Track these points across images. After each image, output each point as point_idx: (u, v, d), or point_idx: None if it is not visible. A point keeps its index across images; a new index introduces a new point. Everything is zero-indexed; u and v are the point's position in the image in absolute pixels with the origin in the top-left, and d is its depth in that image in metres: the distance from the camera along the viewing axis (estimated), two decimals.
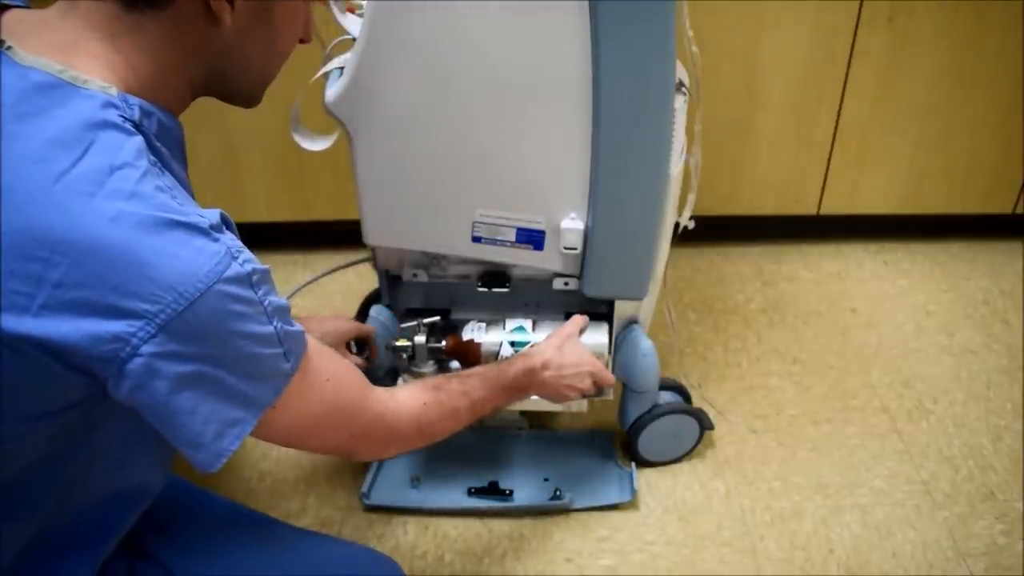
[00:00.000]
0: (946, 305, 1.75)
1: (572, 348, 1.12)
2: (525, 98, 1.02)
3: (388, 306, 1.29)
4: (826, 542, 1.27)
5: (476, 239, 1.13)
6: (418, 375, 1.18)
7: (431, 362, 1.18)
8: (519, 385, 1.05)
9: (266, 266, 0.66)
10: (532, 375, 1.06)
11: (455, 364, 1.21)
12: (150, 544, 0.86)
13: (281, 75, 0.81)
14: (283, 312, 0.68)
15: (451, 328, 1.22)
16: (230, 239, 0.64)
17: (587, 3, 0.94)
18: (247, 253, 0.65)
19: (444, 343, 1.17)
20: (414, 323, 1.18)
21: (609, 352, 1.21)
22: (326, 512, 1.31)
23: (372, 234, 1.16)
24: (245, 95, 0.78)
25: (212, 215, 0.64)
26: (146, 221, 0.60)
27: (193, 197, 0.68)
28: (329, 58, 1.11)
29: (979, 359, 1.61)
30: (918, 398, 1.52)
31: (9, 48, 0.63)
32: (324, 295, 1.72)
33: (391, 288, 1.28)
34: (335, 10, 1.07)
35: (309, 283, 1.43)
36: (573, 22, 0.96)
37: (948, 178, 1.79)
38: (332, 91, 1.03)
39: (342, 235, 1.50)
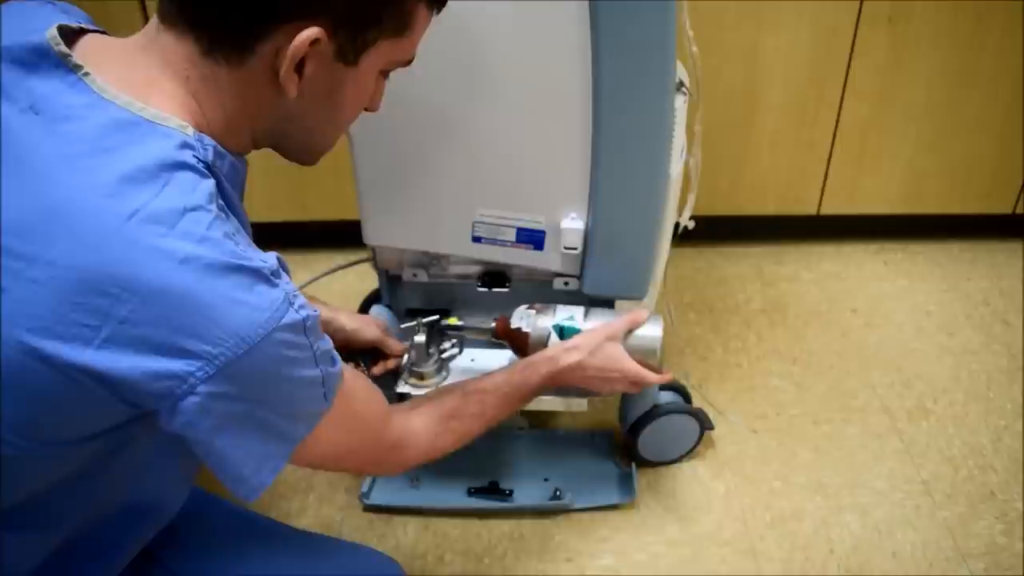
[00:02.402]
0: (946, 305, 1.75)
1: (607, 352, 1.05)
2: (525, 97, 1.02)
3: (388, 306, 1.29)
4: (826, 542, 1.26)
5: (476, 239, 1.13)
6: (418, 375, 1.18)
7: (431, 361, 1.18)
8: (542, 388, 1.04)
9: (317, 311, 0.68)
10: (556, 379, 1.04)
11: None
12: (158, 548, 0.87)
13: None
14: (328, 355, 0.71)
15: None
16: (286, 283, 0.66)
17: (587, 3, 0.94)
18: (301, 298, 0.66)
19: (494, 325, 1.15)
20: (414, 323, 1.18)
21: (661, 349, 1.12)
22: (326, 512, 1.31)
23: (372, 234, 1.16)
24: (303, 157, 0.79)
25: (271, 260, 0.65)
26: (213, 265, 0.60)
27: (249, 229, 0.69)
28: None
29: (979, 359, 1.61)
30: (918, 398, 1.52)
31: (87, 74, 0.64)
32: (324, 295, 1.69)
33: (391, 288, 1.28)
34: None
35: (309, 283, 1.43)
36: (573, 22, 0.96)
37: (948, 178, 1.79)
38: None
39: (342, 235, 1.50)
